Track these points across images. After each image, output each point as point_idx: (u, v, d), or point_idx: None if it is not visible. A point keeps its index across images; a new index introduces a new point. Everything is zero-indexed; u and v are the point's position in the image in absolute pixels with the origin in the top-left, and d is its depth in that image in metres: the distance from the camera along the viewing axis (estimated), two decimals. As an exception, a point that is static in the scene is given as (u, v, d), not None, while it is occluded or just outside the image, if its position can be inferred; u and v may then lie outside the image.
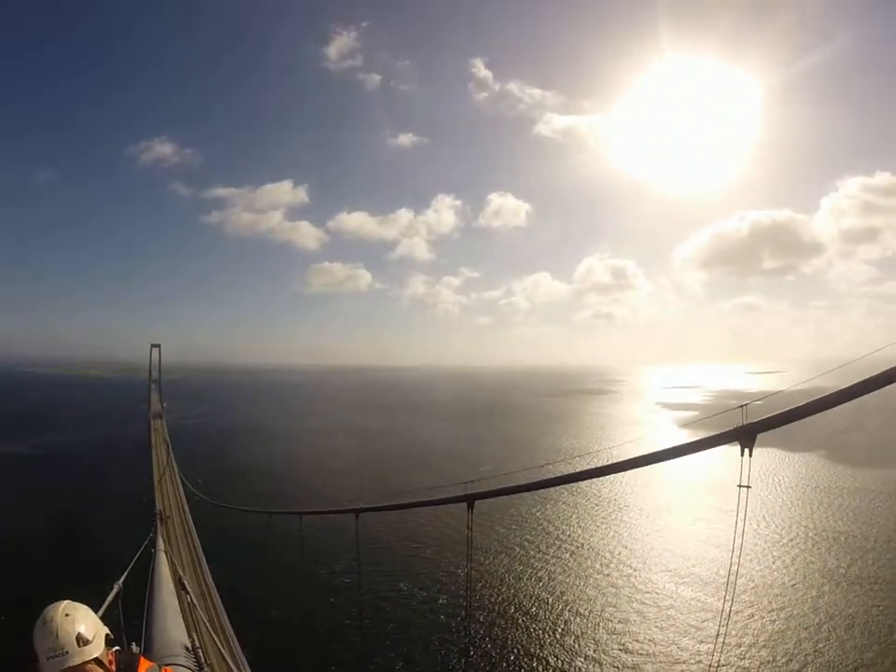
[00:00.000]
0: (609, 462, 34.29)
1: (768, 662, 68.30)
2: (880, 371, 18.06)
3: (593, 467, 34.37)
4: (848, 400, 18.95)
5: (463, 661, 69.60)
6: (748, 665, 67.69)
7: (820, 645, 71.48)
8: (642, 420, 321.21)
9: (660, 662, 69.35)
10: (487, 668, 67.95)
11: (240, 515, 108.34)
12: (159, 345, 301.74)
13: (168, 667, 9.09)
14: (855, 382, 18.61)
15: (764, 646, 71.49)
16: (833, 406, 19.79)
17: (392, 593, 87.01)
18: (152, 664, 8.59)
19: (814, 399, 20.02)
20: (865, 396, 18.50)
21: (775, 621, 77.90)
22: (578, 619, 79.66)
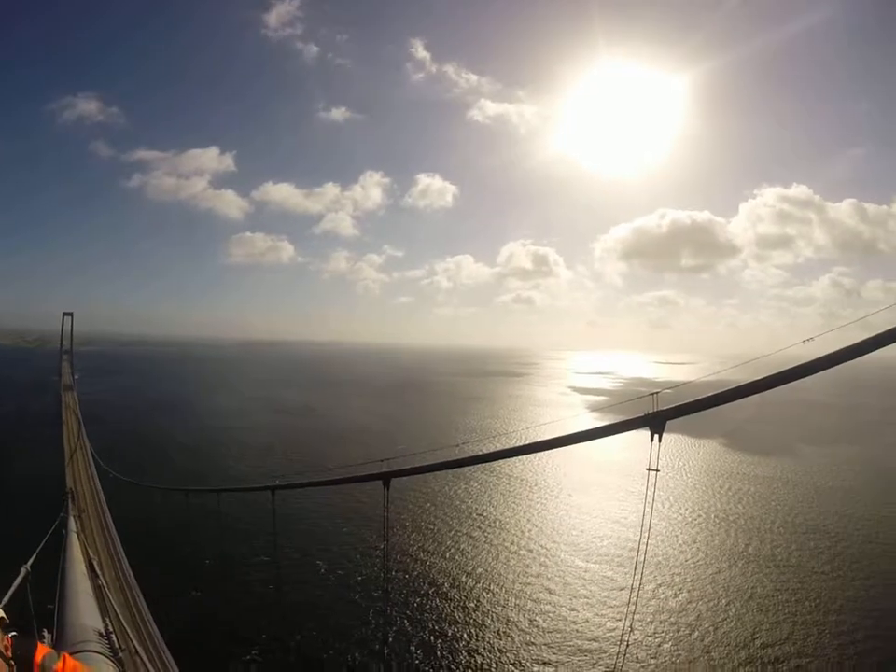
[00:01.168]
0: (525, 443, 34.67)
1: (673, 633, 72.10)
2: (784, 369, 18.94)
3: (508, 447, 34.79)
4: (753, 394, 19.67)
5: (380, 636, 69.48)
6: (655, 637, 71.13)
7: (720, 617, 76.44)
8: (557, 403, 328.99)
9: (572, 634, 71.58)
10: (404, 644, 68.06)
11: (156, 493, 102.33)
12: (71, 314, 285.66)
13: (69, 654, 8.47)
14: (760, 377, 19.36)
15: (670, 618, 75.48)
16: (739, 398, 20.45)
17: (310, 571, 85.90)
18: (50, 650, 8.01)
19: (722, 390, 20.66)
20: (769, 390, 19.34)
21: (679, 595, 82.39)
22: (491, 595, 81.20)
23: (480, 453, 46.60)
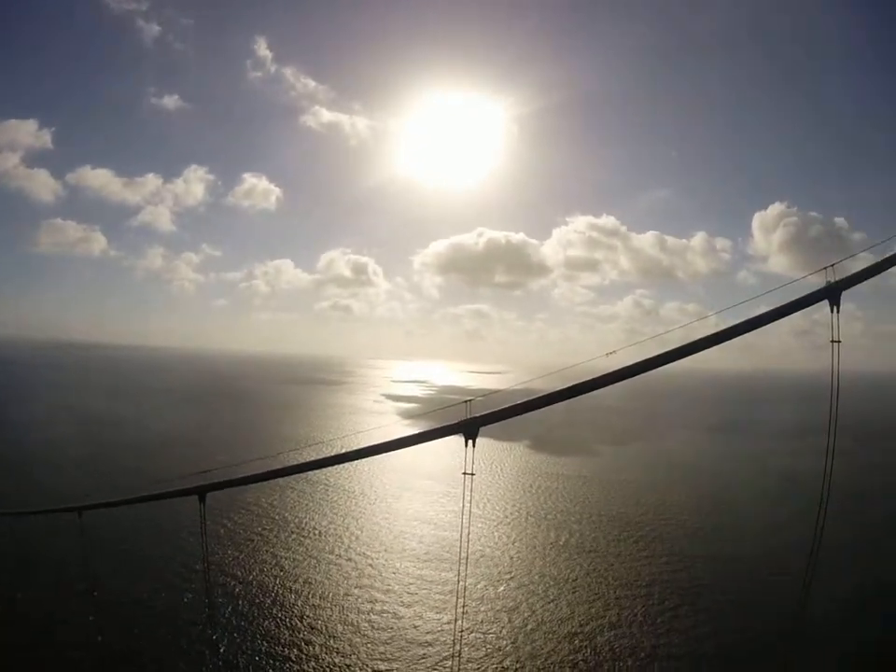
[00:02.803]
0: (343, 451, 33.65)
1: (507, 624, 74.69)
2: (589, 378, 19.84)
3: (327, 456, 33.71)
4: (561, 401, 20.30)
5: (211, 656, 64.20)
6: (490, 631, 73.00)
7: (541, 603, 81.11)
8: (373, 411, 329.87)
9: (409, 634, 71.42)
10: (239, 661, 63.75)
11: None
12: None
13: None
14: (567, 385, 20.15)
15: (503, 611, 78.20)
16: (548, 405, 20.95)
17: (129, 596, 76.43)
18: None
19: (531, 398, 21.01)
20: (574, 397, 20.13)
21: (508, 590, 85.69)
22: (325, 603, 78.62)
23: (299, 462, 44.71)
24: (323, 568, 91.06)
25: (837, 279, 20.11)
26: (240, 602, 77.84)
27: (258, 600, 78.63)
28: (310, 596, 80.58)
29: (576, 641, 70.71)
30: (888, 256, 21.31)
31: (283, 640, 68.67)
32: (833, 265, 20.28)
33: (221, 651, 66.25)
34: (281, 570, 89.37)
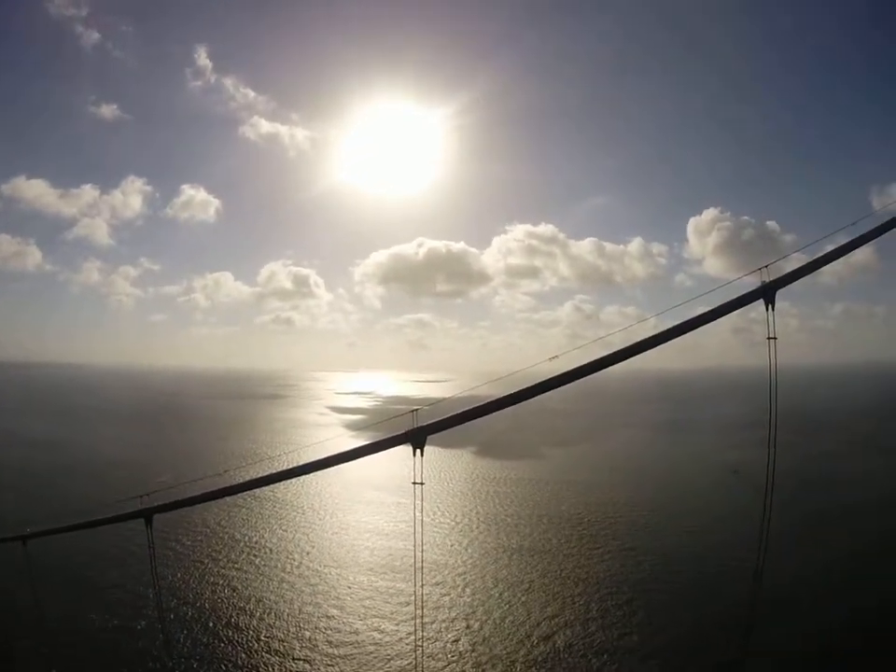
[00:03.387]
0: (290, 466, 33.02)
1: (465, 630, 74.45)
2: (533, 384, 19.87)
3: (274, 472, 32.78)
4: (506, 406, 20.25)
5: None
6: (449, 637, 72.52)
7: (498, 606, 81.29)
8: (318, 424, 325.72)
9: (368, 648, 70.17)
10: None
11: None
12: None
13: None
14: (511, 391, 20.14)
15: (460, 618, 77.72)
16: (494, 411, 20.86)
17: (80, 626, 72.93)
18: None
19: (477, 404, 20.90)
20: (520, 402, 20.10)
21: (464, 596, 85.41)
22: (281, 621, 76.49)
23: (246, 480, 43.71)
24: (276, 587, 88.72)
25: (772, 279, 20.64)
26: (194, 626, 74.95)
27: (212, 623, 75.86)
28: (265, 616, 78.24)
29: (534, 642, 71.19)
30: (818, 256, 22.36)
31: (240, 663, 66.55)
32: (767, 266, 20.97)
33: (179, 669, 64.31)
34: (233, 591, 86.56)
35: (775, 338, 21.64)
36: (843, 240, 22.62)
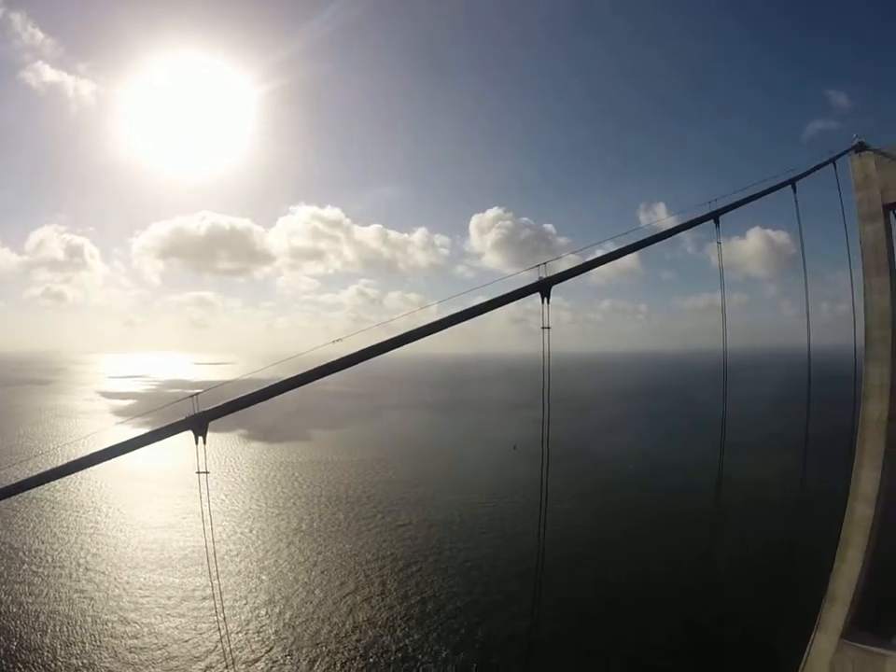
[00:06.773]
0: (60, 464, 29.53)
1: (270, 616, 72.72)
2: (316, 367, 19.67)
3: (42, 471, 29.01)
4: (290, 389, 19.73)
5: None
6: (253, 627, 70.16)
7: (305, 591, 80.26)
8: (88, 412, 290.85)
9: (173, 649, 64.93)
10: None
11: None
12: None
13: None
14: (295, 374, 19.70)
15: (261, 606, 75.70)
16: (277, 394, 20.19)
17: None
18: None
19: (261, 388, 20.09)
20: (303, 385, 19.75)
21: (262, 582, 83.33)
22: (77, 634, 67.55)
23: (11, 483, 38.57)
24: (66, 596, 77.89)
25: (548, 276, 22.07)
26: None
27: (0, 650, 64.75)
28: (60, 630, 68.37)
29: (336, 620, 71.80)
30: (588, 260, 24.93)
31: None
32: (545, 263, 22.64)
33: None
34: (20, 607, 74.20)
35: (549, 328, 23.40)
36: (612, 247, 24.75)
